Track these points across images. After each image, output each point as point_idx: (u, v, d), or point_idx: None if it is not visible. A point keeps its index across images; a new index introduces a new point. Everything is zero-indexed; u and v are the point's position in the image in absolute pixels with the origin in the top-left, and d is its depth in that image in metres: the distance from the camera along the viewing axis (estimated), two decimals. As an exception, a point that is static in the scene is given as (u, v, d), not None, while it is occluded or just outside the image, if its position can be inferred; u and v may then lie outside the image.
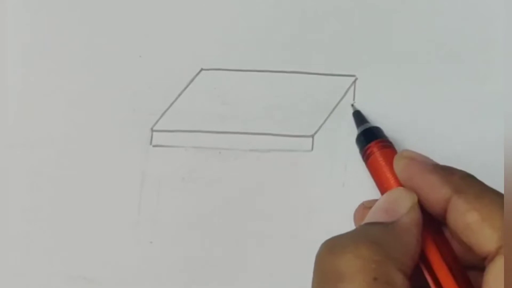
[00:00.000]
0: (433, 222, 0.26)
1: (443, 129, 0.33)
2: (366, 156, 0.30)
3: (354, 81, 0.33)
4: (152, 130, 0.33)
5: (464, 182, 0.26)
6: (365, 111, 0.33)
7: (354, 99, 0.33)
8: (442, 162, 0.32)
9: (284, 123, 0.33)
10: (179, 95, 0.33)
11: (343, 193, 0.32)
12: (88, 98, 0.34)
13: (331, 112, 0.33)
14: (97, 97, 0.34)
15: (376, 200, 0.28)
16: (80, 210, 0.32)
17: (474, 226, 0.24)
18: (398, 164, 0.28)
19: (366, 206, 0.29)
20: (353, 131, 0.32)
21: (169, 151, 0.33)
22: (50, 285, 0.31)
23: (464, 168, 0.32)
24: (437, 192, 0.26)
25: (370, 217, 0.26)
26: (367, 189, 0.32)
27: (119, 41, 0.34)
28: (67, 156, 0.33)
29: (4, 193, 0.33)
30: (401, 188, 0.28)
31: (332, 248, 0.24)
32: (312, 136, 0.33)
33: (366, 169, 0.32)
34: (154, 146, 0.33)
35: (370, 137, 0.30)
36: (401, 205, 0.26)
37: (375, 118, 0.33)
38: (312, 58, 0.34)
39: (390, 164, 0.28)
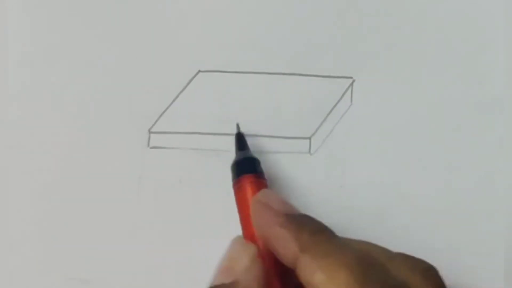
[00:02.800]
0: (285, 270, 0.26)
1: (441, 131, 0.33)
2: (236, 188, 0.29)
3: (352, 83, 0.33)
4: (150, 132, 0.33)
5: (312, 240, 0.25)
6: (363, 113, 0.33)
7: (351, 101, 0.33)
8: (440, 164, 0.32)
9: (281, 125, 0.33)
10: (177, 96, 0.33)
11: (341, 195, 0.32)
12: (86, 100, 0.34)
13: (328, 114, 0.33)
14: (95, 98, 0.34)
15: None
16: (77, 211, 0.32)
17: (321, 286, 0.23)
18: (252, 209, 0.27)
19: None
20: (353, 132, 0.32)
21: (167, 152, 0.33)
22: (48, 286, 0.31)
23: (464, 169, 0.32)
24: (285, 248, 0.25)
25: (214, 278, 0.26)
26: (365, 191, 0.32)
27: (117, 43, 0.34)
28: (65, 158, 0.33)
29: (2, 194, 0.33)
30: (240, 239, 0.27)
31: None
32: (310, 138, 0.33)
33: (365, 171, 0.32)
34: (151, 147, 0.33)
35: (246, 169, 0.29)
36: (239, 262, 0.26)
37: (373, 120, 0.33)
38: (309, 60, 0.34)
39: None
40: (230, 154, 0.32)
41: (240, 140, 0.32)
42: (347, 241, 0.25)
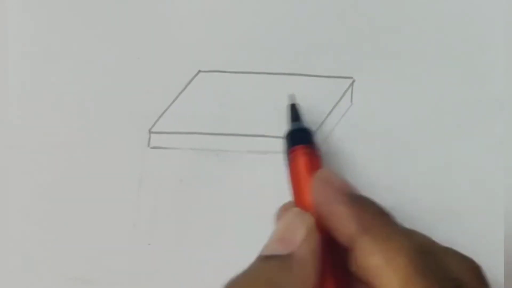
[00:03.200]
0: (334, 248, 0.25)
1: (442, 131, 0.33)
2: (289, 159, 0.29)
3: (352, 83, 0.33)
4: (150, 132, 0.33)
5: (374, 221, 0.24)
6: (363, 113, 0.33)
7: (351, 101, 0.33)
8: (440, 164, 0.32)
9: (281, 125, 0.33)
10: (177, 97, 0.33)
11: (341, 195, 0.32)
12: (86, 100, 0.34)
13: (328, 114, 0.33)
14: (95, 98, 0.34)
15: None
16: (78, 211, 0.32)
17: (377, 269, 0.23)
18: (314, 185, 0.27)
19: (286, 208, 0.28)
20: (353, 132, 0.32)
21: (167, 152, 0.33)
22: (48, 286, 0.31)
23: (464, 169, 0.32)
24: (345, 227, 0.25)
25: (267, 247, 0.25)
26: (365, 191, 0.32)
27: (117, 43, 0.34)
28: (65, 158, 0.33)
29: (3, 194, 0.33)
30: (297, 210, 0.27)
31: None
32: (310, 138, 0.33)
33: (365, 171, 0.32)
34: (152, 147, 0.33)
35: (300, 139, 0.29)
36: (296, 232, 0.25)
37: (373, 120, 0.33)
38: (309, 60, 0.34)
39: (310, 176, 0.27)
40: (230, 154, 0.32)
41: (294, 110, 0.31)
42: (407, 229, 0.25)
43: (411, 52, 0.34)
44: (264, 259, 0.25)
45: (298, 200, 0.28)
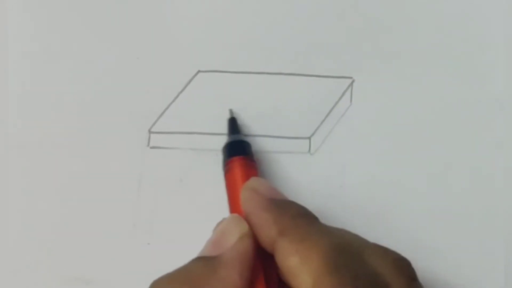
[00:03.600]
0: (269, 255, 0.26)
1: (442, 131, 0.33)
2: (225, 170, 0.30)
3: (351, 83, 0.33)
4: (150, 132, 0.33)
5: (292, 224, 0.25)
6: (362, 113, 0.33)
7: (351, 101, 0.33)
8: (440, 164, 0.32)
9: (281, 125, 0.33)
10: (177, 96, 0.33)
11: (340, 195, 0.32)
12: (86, 100, 0.34)
13: (328, 114, 0.33)
14: (95, 98, 0.34)
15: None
16: (77, 211, 0.32)
17: (294, 269, 0.23)
18: (242, 195, 0.28)
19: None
20: (353, 132, 0.32)
21: (167, 152, 0.33)
22: (48, 286, 0.31)
23: (463, 169, 0.32)
24: (266, 232, 0.25)
25: (203, 249, 0.26)
26: (365, 191, 0.32)
27: (116, 43, 0.34)
28: (65, 158, 0.33)
29: (3, 194, 0.33)
30: (234, 215, 0.27)
31: None
32: (310, 138, 0.33)
33: (364, 171, 0.32)
34: (151, 147, 0.33)
35: (236, 151, 0.30)
36: (228, 236, 0.26)
37: (372, 120, 0.33)
38: (309, 60, 0.34)
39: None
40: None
41: (233, 124, 0.32)
42: (328, 228, 0.26)
43: (411, 52, 0.34)
44: (194, 260, 0.26)
45: (233, 210, 0.28)
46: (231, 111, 0.33)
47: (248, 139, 0.32)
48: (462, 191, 0.32)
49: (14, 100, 0.34)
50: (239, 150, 0.30)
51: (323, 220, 0.31)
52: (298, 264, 0.23)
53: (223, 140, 0.32)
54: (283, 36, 0.34)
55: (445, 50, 0.34)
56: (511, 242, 0.32)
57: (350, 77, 0.33)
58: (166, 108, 0.33)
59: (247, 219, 0.27)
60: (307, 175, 0.32)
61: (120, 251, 0.32)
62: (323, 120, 0.33)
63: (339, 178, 0.32)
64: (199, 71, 0.34)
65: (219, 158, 0.32)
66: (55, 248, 0.32)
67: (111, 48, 0.34)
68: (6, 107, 0.34)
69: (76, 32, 0.35)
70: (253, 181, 0.28)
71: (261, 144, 0.32)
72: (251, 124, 0.33)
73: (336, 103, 0.33)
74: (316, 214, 0.32)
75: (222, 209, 0.32)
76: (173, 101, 0.33)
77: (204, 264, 0.25)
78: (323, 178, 0.32)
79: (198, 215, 0.32)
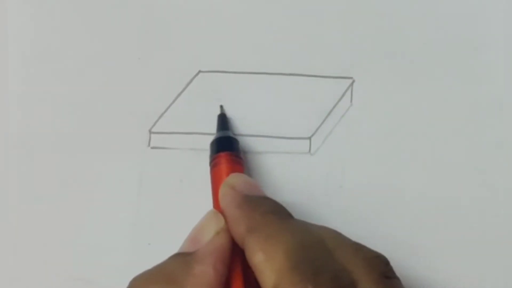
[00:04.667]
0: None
1: (441, 131, 0.33)
2: (212, 165, 0.30)
3: (352, 83, 0.33)
4: (150, 132, 0.33)
5: (262, 220, 0.25)
6: (363, 114, 0.33)
7: (351, 101, 0.33)
8: (440, 164, 0.32)
9: (281, 125, 0.33)
10: (177, 97, 0.33)
11: (340, 195, 0.32)
12: (86, 100, 0.34)
13: (328, 114, 0.33)
14: (95, 99, 0.34)
15: None
16: (78, 211, 0.32)
17: (259, 266, 0.24)
18: (220, 191, 0.28)
19: None
20: (353, 132, 0.32)
21: (167, 153, 0.33)
22: (48, 286, 0.31)
23: (463, 169, 0.32)
24: (236, 228, 0.26)
25: (181, 246, 0.27)
26: (365, 192, 0.32)
27: (117, 44, 0.34)
28: (65, 158, 0.33)
29: (3, 194, 0.33)
30: (213, 211, 0.28)
31: (131, 286, 0.25)
32: (310, 138, 0.33)
33: (364, 171, 0.32)
34: (152, 148, 0.33)
35: (223, 147, 0.30)
36: (205, 232, 0.26)
37: (372, 120, 0.33)
38: (309, 61, 0.34)
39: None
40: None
41: (222, 120, 0.32)
42: (301, 224, 0.26)
43: (411, 52, 0.34)
44: (172, 256, 0.26)
45: (215, 206, 0.29)
46: (221, 107, 0.33)
47: (248, 139, 0.32)
48: (461, 191, 0.32)
49: (14, 100, 0.34)
50: (226, 146, 0.30)
51: (322, 220, 0.31)
52: (263, 261, 0.24)
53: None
54: (283, 36, 0.34)
55: (445, 50, 0.34)
56: (511, 242, 0.32)
57: (351, 78, 0.33)
58: (167, 109, 0.33)
59: (223, 215, 0.27)
60: (307, 175, 0.32)
61: (121, 251, 0.32)
62: (323, 121, 0.33)
63: (339, 178, 0.32)
64: (200, 71, 0.34)
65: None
66: (55, 248, 0.32)
67: (112, 48, 0.34)
68: (6, 107, 0.34)
69: (76, 33, 0.34)
70: (231, 177, 0.28)
71: (261, 144, 0.32)
72: (251, 124, 0.33)
73: (336, 103, 0.33)
74: (316, 214, 0.32)
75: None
76: (174, 101, 0.33)
77: (181, 260, 0.25)
78: (323, 178, 0.32)
79: (198, 215, 0.32)
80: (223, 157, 0.29)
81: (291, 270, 0.23)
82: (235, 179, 0.28)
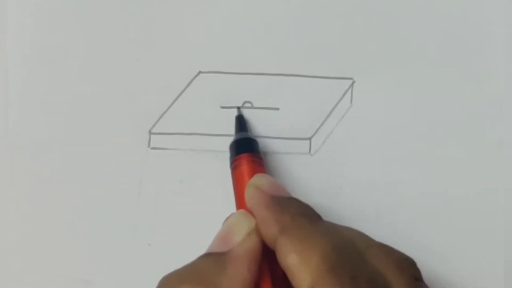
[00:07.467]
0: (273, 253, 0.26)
1: (441, 132, 0.33)
2: (233, 167, 0.30)
3: (352, 84, 0.33)
4: (150, 133, 0.33)
5: (293, 222, 0.25)
6: (363, 114, 0.33)
7: (351, 102, 0.33)
8: (440, 165, 0.32)
9: (281, 126, 0.33)
10: (177, 97, 0.33)
11: (340, 195, 0.32)
12: (86, 101, 0.34)
13: (328, 115, 0.33)
14: (95, 100, 0.34)
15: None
16: (78, 212, 0.32)
17: (293, 268, 0.24)
18: (247, 192, 0.28)
19: None
20: (353, 132, 0.32)
21: (167, 153, 0.33)
22: (48, 286, 0.32)
23: (463, 169, 0.32)
24: (267, 229, 0.25)
25: (210, 245, 0.26)
26: (365, 192, 0.32)
27: (117, 45, 0.34)
28: (65, 159, 0.33)
29: (3, 194, 0.33)
30: (242, 211, 0.28)
31: (162, 285, 0.25)
32: (310, 138, 0.33)
33: (364, 172, 0.32)
34: (152, 148, 0.33)
35: (244, 148, 0.30)
36: (236, 232, 0.26)
37: (372, 121, 0.33)
38: (309, 61, 0.34)
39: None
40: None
41: (240, 121, 0.32)
42: (331, 227, 0.26)
43: (411, 53, 0.34)
44: (203, 256, 0.26)
45: (240, 206, 0.29)
46: (239, 109, 0.33)
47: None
48: (461, 192, 0.32)
49: (14, 100, 0.34)
50: (247, 147, 0.30)
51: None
52: (298, 263, 0.24)
53: (224, 140, 0.32)
54: (283, 37, 0.34)
55: (445, 50, 0.34)
56: (511, 242, 0.32)
57: (351, 78, 0.33)
58: (167, 109, 0.33)
59: (252, 215, 0.27)
60: (307, 176, 0.32)
61: (121, 252, 0.32)
62: (324, 121, 0.33)
63: (339, 179, 0.32)
64: (200, 72, 0.34)
65: (219, 158, 0.32)
66: (55, 249, 0.32)
67: (111, 48, 0.34)
68: (6, 107, 0.34)
69: (76, 33, 0.34)
70: (257, 178, 0.28)
71: (261, 144, 0.32)
72: (252, 125, 0.33)
73: (337, 104, 0.33)
74: (316, 215, 0.32)
75: (222, 210, 0.32)
76: (174, 102, 0.33)
77: (213, 260, 0.25)
78: (323, 179, 0.32)
79: (198, 216, 0.32)
80: (244, 158, 0.29)
81: (328, 272, 0.23)
82: (260, 179, 0.28)
